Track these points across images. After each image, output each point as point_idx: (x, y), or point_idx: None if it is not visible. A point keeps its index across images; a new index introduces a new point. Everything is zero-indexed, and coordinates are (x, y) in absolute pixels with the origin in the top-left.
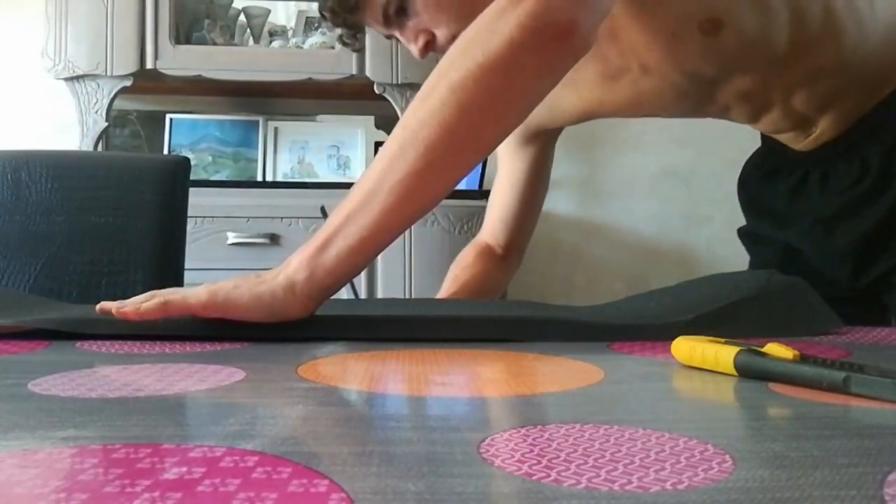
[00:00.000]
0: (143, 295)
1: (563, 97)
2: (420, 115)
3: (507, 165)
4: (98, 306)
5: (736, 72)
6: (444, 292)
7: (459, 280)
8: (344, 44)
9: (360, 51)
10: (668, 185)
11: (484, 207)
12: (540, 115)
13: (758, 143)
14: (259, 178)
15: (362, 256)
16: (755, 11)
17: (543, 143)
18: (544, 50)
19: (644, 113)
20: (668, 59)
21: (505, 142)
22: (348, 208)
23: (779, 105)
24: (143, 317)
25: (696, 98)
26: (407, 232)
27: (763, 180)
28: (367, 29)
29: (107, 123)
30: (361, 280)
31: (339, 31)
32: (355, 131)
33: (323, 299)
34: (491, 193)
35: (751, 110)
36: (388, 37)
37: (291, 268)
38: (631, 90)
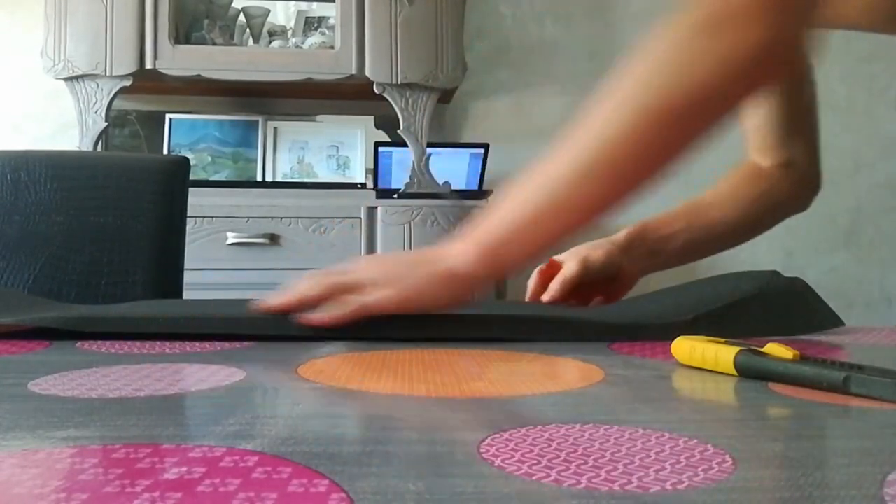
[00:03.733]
0: (306, 282)
1: None
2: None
3: None
4: (259, 305)
5: None
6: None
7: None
8: None
9: None
10: (668, 185)
11: (483, 207)
12: None
13: None
14: (259, 178)
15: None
16: None
17: None
18: (769, 77)
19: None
20: None
21: None
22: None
23: None
24: (339, 323)
25: None
26: (407, 231)
27: None
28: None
29: (106, 123)
30: None
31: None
32: (355, 131)
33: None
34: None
35: None
36: None
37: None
38: None
